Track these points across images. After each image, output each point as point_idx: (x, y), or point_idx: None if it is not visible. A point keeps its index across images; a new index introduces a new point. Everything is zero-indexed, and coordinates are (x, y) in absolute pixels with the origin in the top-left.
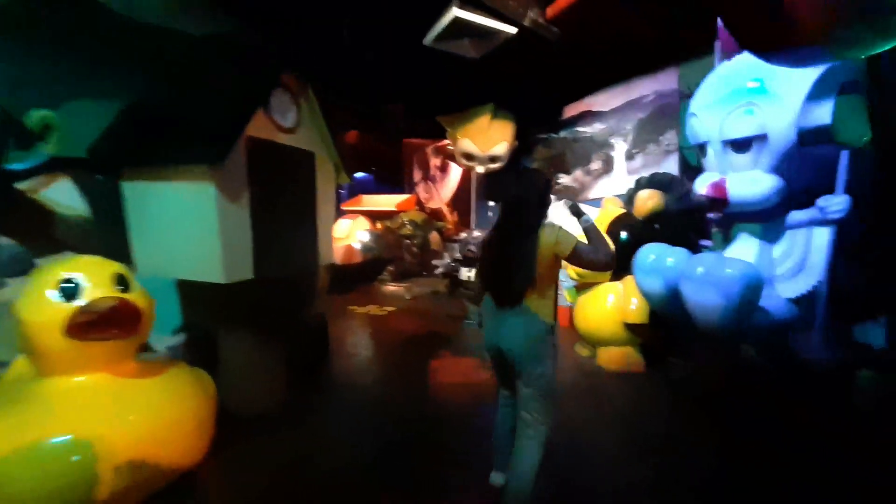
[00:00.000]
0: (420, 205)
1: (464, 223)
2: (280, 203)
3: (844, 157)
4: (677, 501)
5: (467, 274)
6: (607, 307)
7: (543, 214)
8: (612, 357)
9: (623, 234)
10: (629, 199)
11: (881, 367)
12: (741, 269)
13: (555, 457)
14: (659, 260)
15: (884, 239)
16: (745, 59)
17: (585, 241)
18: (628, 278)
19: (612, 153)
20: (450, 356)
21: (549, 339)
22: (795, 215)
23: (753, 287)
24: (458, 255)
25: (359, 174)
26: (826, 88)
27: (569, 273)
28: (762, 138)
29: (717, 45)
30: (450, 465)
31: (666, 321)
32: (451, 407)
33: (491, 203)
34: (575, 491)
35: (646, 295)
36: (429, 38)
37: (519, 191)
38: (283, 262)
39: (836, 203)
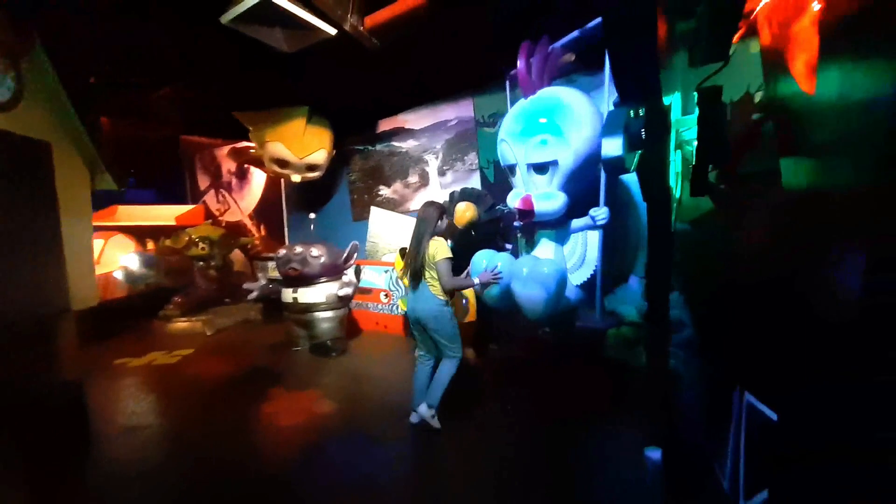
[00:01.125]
0: (212, 218)
1: (275, 238)
2: None
3: (603, 179)
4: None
5: (292, 295)
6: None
7: (435, 230)
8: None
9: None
10: (448, 209)
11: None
12: (555, 266)
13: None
14: (491, 264)
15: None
16: (540, 98)
17: (447, 261)
18: None
19: (427, 168)
20: (284, 393)
21: (445, 310)
22: (576, 222)
23: (563, 280)
24: (276, 275)
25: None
26: (615, 128)
27: (403, 281)
28: (554, 164)
29: (507, 84)
30: None
31: (486, 316)
32: (300, 454)
33: (312, 216)
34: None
35: (485, 296)
36: (228, 16)
37: (424, 213)
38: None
39: (601, 213)
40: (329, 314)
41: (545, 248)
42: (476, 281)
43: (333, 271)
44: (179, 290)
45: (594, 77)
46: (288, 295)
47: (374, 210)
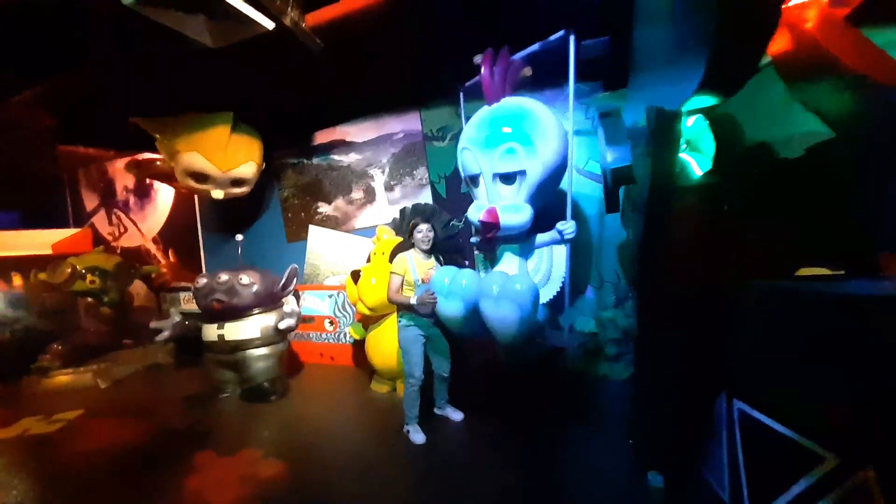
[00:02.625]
0: (104, 243)
1: (187, 266)
2: None
3: (570, 193)
4: None
5: (217, 332)
6: None
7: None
8: None
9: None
10: (397, 226)
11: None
12: (528, 283)
13: None
14: (454, 283)
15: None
16: (506, 105)
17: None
18: None
19: (373, 183)
20: (213, 458)
21: (399, 324)
22: (541, 237)
23: (538, 297)
24: (192, 308)
25: None
26: (617, 136)
27: (357, 307)
28: (522, 174)
29: (461, 96)
30: None
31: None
32: None
33: (239, 237)
34: None
35: (447, 318)
36: None
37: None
38: None
39: (569, 227)
40: (265, 351)
41: (509, 264)
42: (413, 301)
43: (269, 300)
44: (59, 335)
45: (559, 91)
46: (211, 332)
47: (312, 229)
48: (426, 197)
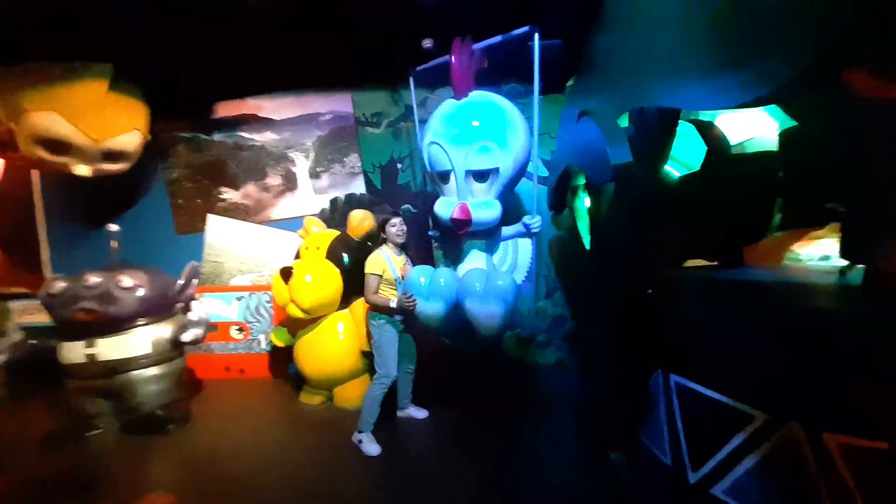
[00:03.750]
0: None
1: (20, 265)
2: None
3: (536, 190)
4: None
5: (85, 352)
6: (340, 339)
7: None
8: (355, 394)
9: (346, 257)
10: (328, 218)
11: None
12: (509, 278)
13: None
14: (433, 283)
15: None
16: (477, 101)
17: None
18: (357, 303)
19: (295, 169)
20: None
21: (371, 323)
22: (506, 230)
23: (518, 291)
24: (36, 321)
25: None
26: (616, 132)
27: (289, 310)
28: (496, 171)
29: (411, 82)
30: None
31: None
32: None
33: (114, 228)
34: None
35: (427, 318)
36: None
37: None
38: None
39: (536, 221)
40: (156, 371)
41: (476, 259)
42: (392, 305)
43: (161, 307)
44: None
45: (496, 88)
46: (75, 352)
47: (212, 219)
48: (359, 187)
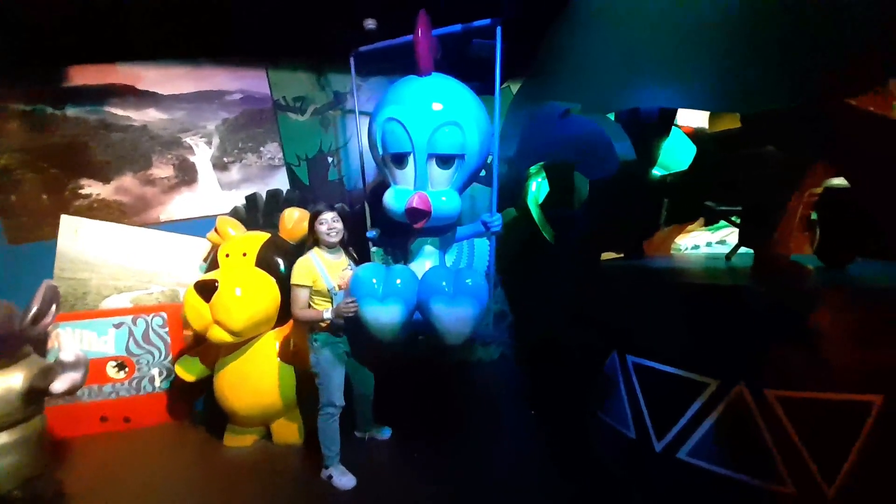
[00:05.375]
0: None
1: None
2: None
3: (496, 189)
4: None
5: None
6: (277, 363)
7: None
8: (294, 427)
9: (281, 263)
10: (244, 218)
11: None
12: (478, 276)
13: None
14: (388, 283)
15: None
16: (441, 80)
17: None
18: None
19: (193, 158)
20: None
21: (310, 346)
22: (463, 229)
23: (488, 292)
24: None
25: None
26: (617, 129)
27: (212, 333)
28: (462, 157)
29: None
30: None
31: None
32: None
33: None
34: None
35: (381, 326)
36: None
37: None
38: None
39: (495, 220)
40: (2, 440)
41: (428, 257)
42: (326, 315)
43: (4, 346)
44: None
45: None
46: None
47: (67, 222)
48: (280, 182)
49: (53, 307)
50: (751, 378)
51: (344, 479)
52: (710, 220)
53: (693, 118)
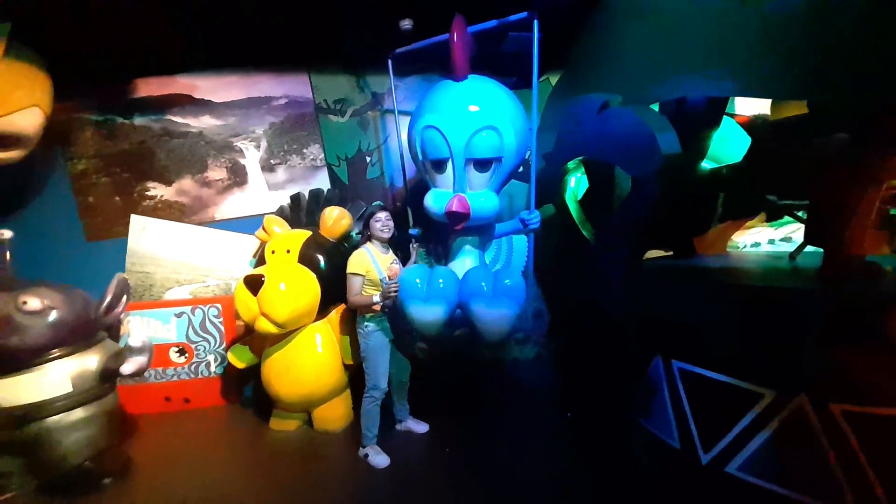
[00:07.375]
0: None
1: None
2: None
3: (534, 185)
4: None
5: None
6: (318, 353)
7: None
8: (337, 413)
9: (322, 260)
10: (289, 217)
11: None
12: (516, 276)
13: None
14: (431, 284)
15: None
16: (478, 84)
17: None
18: (337, 312)
19: (243, 161)
20: None
21: (359, 331)
22: (501, 227)
23: (525, 290)
24: None
25: None
26: (661, 121)
27: (259, 325)
28: (499, 160)
29: (390, 64)
30: None
31: None
32: None
33: (7, 234)
34: None
35: (426, 324)
36: None
37: None
38: None
39: (534, 217)
40: (81, 413)
41: (469, 256)
42: (376, 298)
43: (80, 333)
44: None
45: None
46: None
47: (137, 221)
48: (322, 181)
49: (125, 298)
50: (814, 390)
51: (379, 458)
52: (773, 216)
53: (750, 106)
